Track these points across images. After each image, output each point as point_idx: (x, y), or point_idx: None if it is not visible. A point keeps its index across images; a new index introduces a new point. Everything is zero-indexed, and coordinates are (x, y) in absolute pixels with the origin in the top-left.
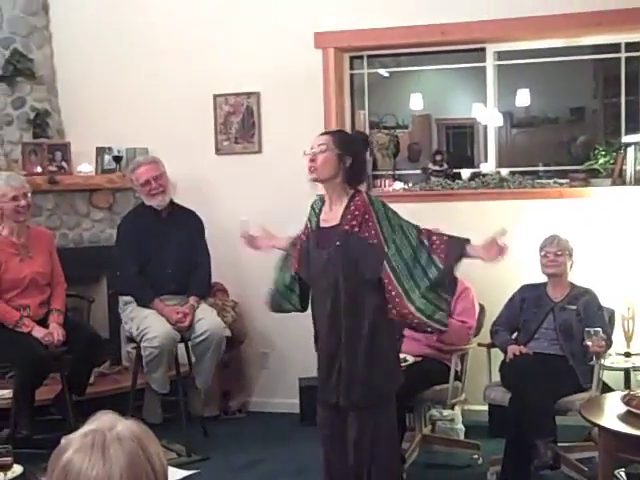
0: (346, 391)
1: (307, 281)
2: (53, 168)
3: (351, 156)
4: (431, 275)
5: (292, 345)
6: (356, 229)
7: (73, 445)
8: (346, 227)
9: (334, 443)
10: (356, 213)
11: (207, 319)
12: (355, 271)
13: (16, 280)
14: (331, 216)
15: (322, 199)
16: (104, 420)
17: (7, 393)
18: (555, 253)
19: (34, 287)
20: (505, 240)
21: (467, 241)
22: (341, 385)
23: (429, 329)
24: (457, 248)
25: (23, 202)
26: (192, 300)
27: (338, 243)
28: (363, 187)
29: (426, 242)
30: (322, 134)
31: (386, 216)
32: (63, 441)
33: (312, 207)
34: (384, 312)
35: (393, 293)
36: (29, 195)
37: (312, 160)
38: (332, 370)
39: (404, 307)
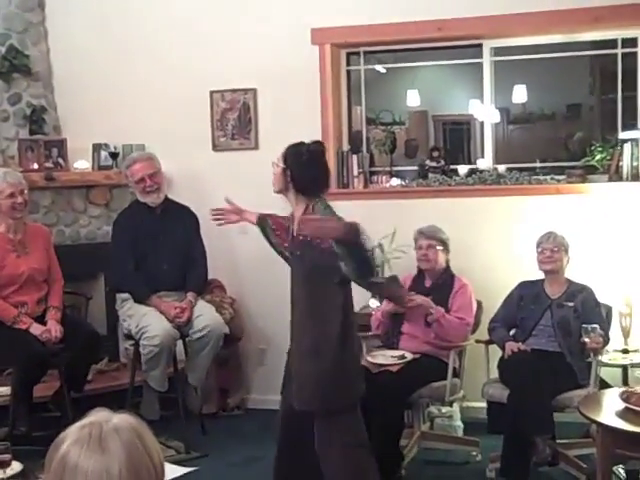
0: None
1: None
2: (50, 165)
3: (289, 169)
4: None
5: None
6: (308, 237)
7: (70, 437)
8: (300, 237)
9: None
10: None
11: (207, 315)
12: (313, 279)
13: (13, 276)
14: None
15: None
16: (100, 414)
17: (5, 390)
18: (551, 249)
19: (31, 283)
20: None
21: None
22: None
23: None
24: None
25: (20, 199)
26: (190, 296)
27: (298, 253)
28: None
29: None
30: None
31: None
32: (60, 435)
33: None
34: (345, 318)
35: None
36: (26, 192)
37: (274, 174)
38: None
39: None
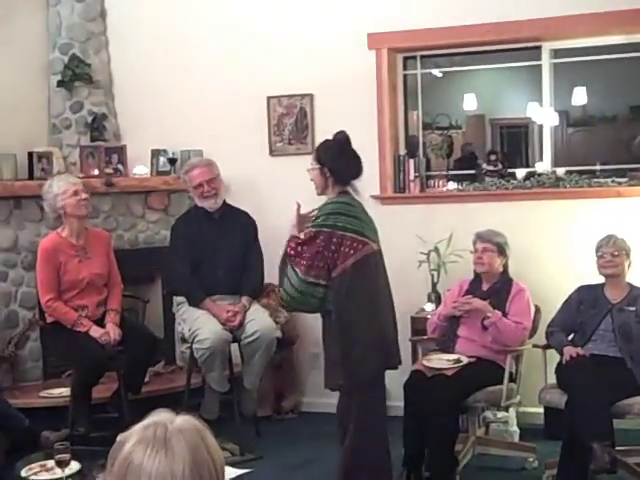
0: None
1: None
2: (110, 170)
3: (325, 166)
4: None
5: None
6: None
7: (134, 437)
8: None
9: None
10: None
11: (258, 320)
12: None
13: (75, 281)
14: None
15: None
16: (163, 415)
17: (65, 391)
18: (612, 253)
19: (92, 288)
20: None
21: None
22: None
23: None
24: None
25: (84, 195)
26: (244, 300)
27: None
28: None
29: None
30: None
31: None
32: (123, 434)
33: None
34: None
35: None
36: (85, 190)
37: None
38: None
39: None
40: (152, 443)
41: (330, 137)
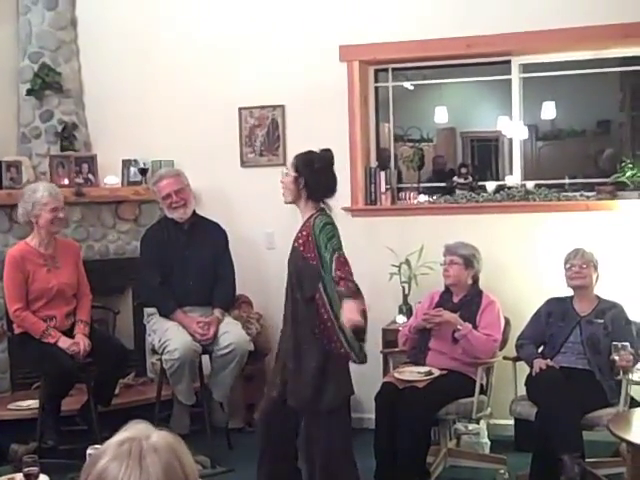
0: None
1: None
2: (80, 180)
3: (302, 176)
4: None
5: None
6: (301, 248)
7: (108, 453)
8: (296, 244)
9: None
10: (304, 233)
11: (232, 332)
12: (300, 285)
13: (43, 290)
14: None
15: None
16: (139, 429)
17: (34, 404)
18: (580, 265)
19: (60, 298)
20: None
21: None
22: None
23: (351, 359)
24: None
25: (61, 214)
26: (217, 312)
27: (291, 258)
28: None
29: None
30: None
31: (320, 241)
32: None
33: None
34: (317, 331)
35: (325, 317)
36: (64, 209)
37: (282, 184)
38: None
39: (334, 333)
40: (127, 461)
41: (310, 148)
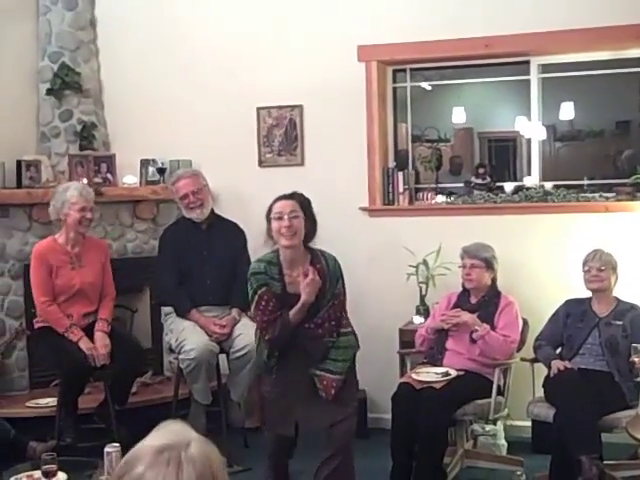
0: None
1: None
2: (99, 180)
3: (310, 219)
4: None
5: None
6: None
7: (146, 460)
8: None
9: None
10: (321, 272)
11: (248, 334)
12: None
13: (65, 287)
14: (297, 280)
15: (272, 262)
16: (177, 433)
17: (52, 401)
18: (598, 268)
19: (81, 297)
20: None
21: None
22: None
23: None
24: None
25: (89, 215)
26: (234, 312)
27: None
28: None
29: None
30: (284, 200)
31: (339, 280)
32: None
33: (264, 273)
34: None
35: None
36: (94, 210)
37: (289, 227)
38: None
39: None
40: (164, 472)
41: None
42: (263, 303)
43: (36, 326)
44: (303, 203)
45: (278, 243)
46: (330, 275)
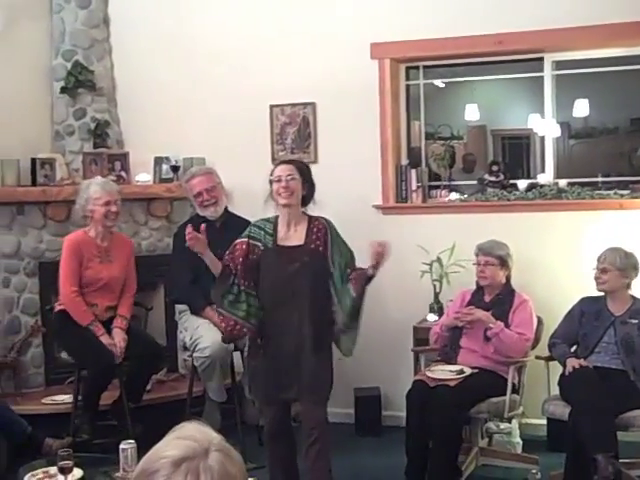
0: (306, 391)
1: (260, 294)
2: (112, 178)
3: (308, 183)
4: (347, 302)
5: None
6: (320, 248)
7: (166, 471)
8: (312, 246)
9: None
10: (319, 234)
11: None
12: (321, 283)
13: (93, 279)
14: (291, 236)
15: (270, 221)
16: (196, 440)
17: (67, 398)
18: (601, 269)
19: (106, 290)
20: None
21: (364, 269)
22: (302, 381)
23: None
24: (362, 277)
25: (114, 208)
26: None
27: (307, 259)
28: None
29: (347, 270)
30: (283, 164)
31: (337, 240)
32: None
33: (259, 228)
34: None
35: (334, 309)
36: (119, 203)
37: (286, 187)
38: (291, 369)
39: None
40: None
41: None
42: (233, 248)
43: (57, 309)
44: (301, 168)
45: (276, 203)
46: (331, 229)
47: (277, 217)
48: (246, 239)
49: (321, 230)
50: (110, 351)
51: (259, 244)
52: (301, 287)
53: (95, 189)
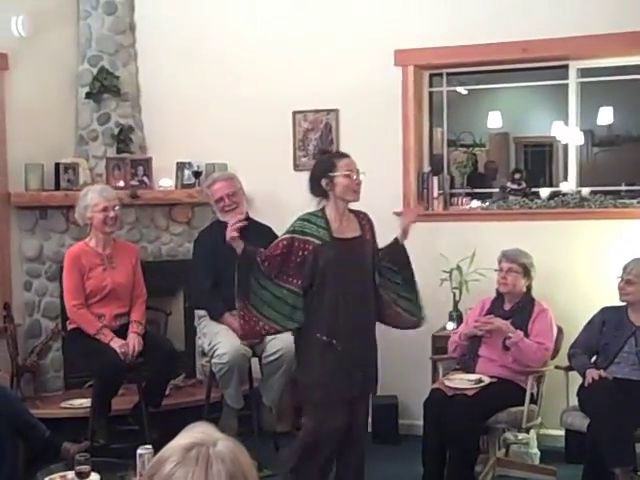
0: (368, 384)
1: (319, 289)
2: (135, 182)
3: None
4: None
5: None
6: (372, 240)
7: (175, 457)
8: (367, 237)
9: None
10: (367, 227)
11: (280, 338)
12: (374, 275)
13: (97, 288)
14: (345, 228)
15: (317, 215)
16: (205, 433)
17: (86, 402)
18: (627, 281)
19: (113, 297)
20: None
21: (396, 239)
22: (366, 379)
23: (407, 323)
24: (399, 251)
25: (112, 214)
26: None
27: (367, 250)
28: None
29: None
30: (347, 157)
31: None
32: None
33: (308, 222)
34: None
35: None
36: (117, 208)
37: (360, 183)
38: (355, 368)
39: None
40: (193, 469)
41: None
42: (281, 244)
43: (69, 328)
44: None
45: (343, 198)
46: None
47: (323, 210)
48: (289, 235)
49: (369, 222)
50: (116, 355)
51: (311, 239)
52: (366, 279)
53: (92, 196)
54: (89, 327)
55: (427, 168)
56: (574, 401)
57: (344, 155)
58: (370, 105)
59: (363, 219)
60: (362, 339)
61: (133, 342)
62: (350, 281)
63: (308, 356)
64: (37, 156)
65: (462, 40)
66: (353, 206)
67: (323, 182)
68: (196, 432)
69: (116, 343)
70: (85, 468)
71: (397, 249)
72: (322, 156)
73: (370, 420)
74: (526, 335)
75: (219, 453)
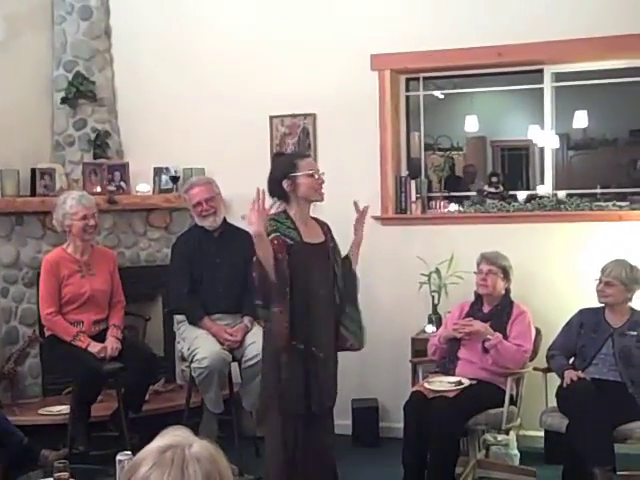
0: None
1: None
2: (112, 188)
3: None
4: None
5: (344, 367)
6: (332, 245)
7: (150, 460)
8: (331, 244)
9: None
10: (329, 234)
11: (259, 343)
12: (334, 280)
13: (75, 295)
14: (311, 233)
15: (284, 217)
16: (180, 436)
17: (64, 409)
18: (605, 283)
19: (91, 304)
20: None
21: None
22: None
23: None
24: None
25: (92, 222)
26: (246, 320)
27: (330, 256)
28: None
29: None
30: (307, 158)
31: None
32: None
33: (280, 222)
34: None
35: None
36: (97, 216)
37: (322, 183)
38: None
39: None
40: (169, 470)
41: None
42: (275, 246)
43: (47, 334)
44: None
45: (307, 198)
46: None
47: (286, 212)
48: (277, 234)
49: (330, 232)
50: (95, 360)
51: (286, 239)
52: (329, 284)
53: (71, 204)
54: (65, 334)
55: (405, 172)
56: (553, 402)
57: (304, 155)
58: (347, 109)
59: (324, 226)
60: (328, 349)
61: (111, 344)
62: (318, 286)
63: (274, 364)
64: (13, 162)
65: (438, 45)
66: (313, 213)
67: (285, 183)
68: (172, 435)
69: (94, 347)
70: (64, 475)
71: (346, 264)
72: (280, 157)
73: (350, 423)
74: (505, 337)
75: (195, 454)
